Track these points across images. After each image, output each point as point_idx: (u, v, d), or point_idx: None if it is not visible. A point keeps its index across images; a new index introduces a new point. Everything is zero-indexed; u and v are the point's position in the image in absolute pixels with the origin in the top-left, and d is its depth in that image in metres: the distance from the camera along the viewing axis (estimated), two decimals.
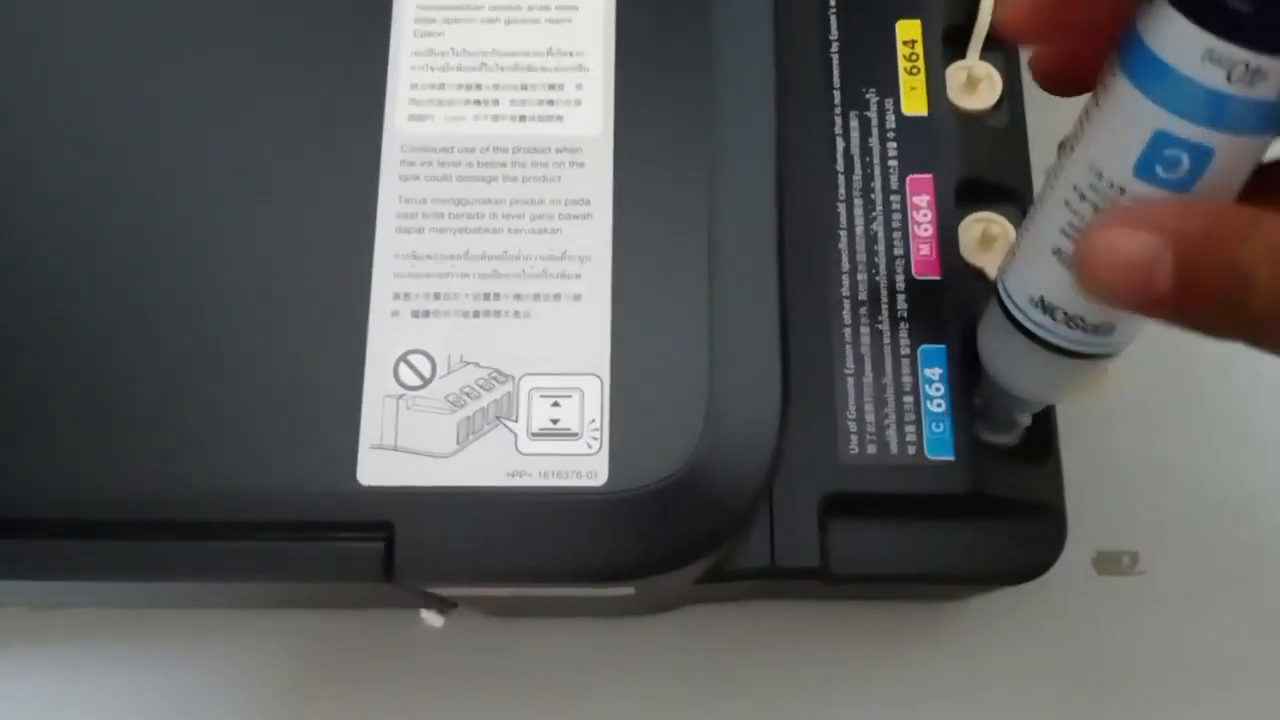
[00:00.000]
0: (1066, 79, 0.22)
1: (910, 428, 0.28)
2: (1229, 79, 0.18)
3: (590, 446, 0.24)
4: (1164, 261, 0.19)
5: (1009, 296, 0.24)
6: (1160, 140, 0.19)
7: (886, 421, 0.28)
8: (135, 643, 0.33)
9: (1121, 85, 0.19)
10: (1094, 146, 0.20)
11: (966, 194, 0.29)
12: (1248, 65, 0.18)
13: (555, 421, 0.24)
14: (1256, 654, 0.33)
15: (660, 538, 0.23)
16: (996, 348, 0.25)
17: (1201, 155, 0.19)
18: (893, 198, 0.29)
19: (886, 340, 0.28)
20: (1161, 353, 0.23)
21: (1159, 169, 0.19)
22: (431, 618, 0.32)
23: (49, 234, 0.26)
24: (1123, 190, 0.20)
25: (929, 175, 0.29)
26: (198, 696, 0.33)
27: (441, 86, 0.26)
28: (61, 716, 0.33)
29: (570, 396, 0.24)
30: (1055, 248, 0.22)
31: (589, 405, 0.24)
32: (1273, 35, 0.17)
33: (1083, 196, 0.21)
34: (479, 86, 0.26)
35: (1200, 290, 0.19)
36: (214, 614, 0.33)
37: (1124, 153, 0.20)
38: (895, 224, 0.29)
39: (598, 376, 0.24)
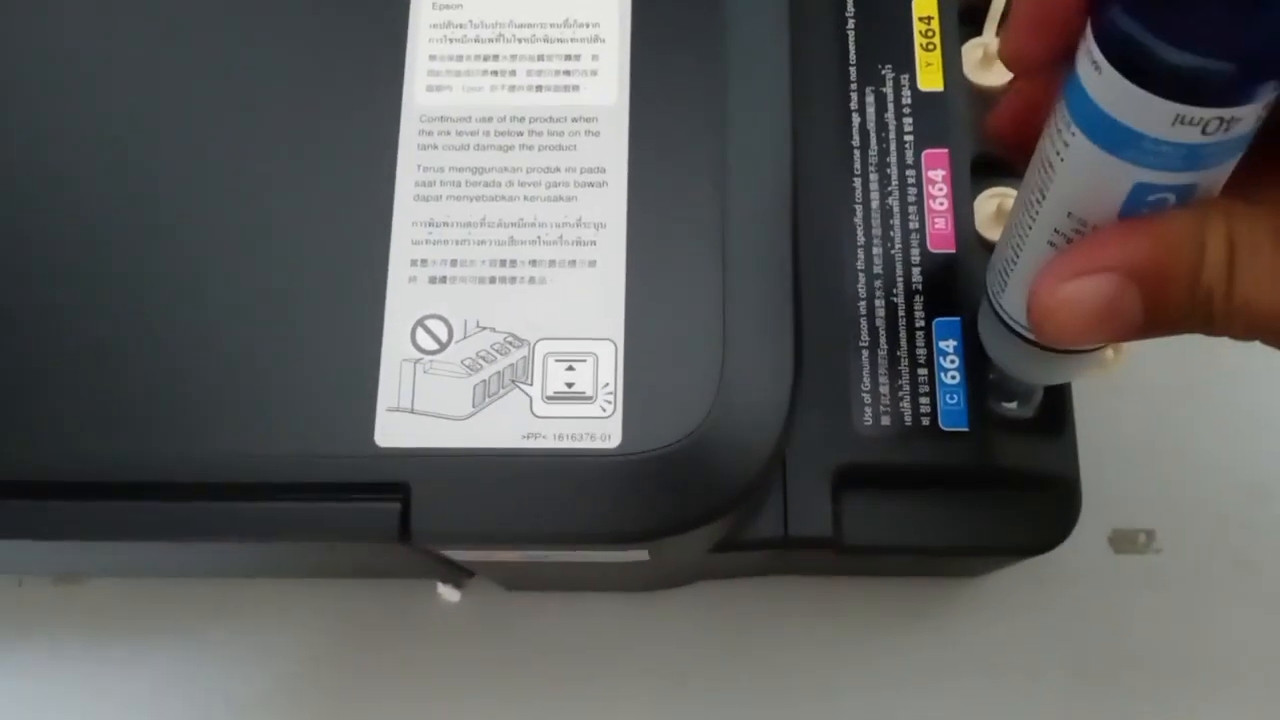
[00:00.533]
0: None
1: (924, 399, 0.28)
2: (1204, 133, 0.17)
3: (604, 410, 0.24)
4: (1129, 296, 0.18)
5: (1002, 308, 0.24)
6: (1141, 190, 0.19)
7: (901, 393, 0.28)
8: (157, 618, 0.34)
9: (1086, 146, 0.19)
10: (1069, 198, 0.20)
11: (982, 169, 0.29)
12: (1221, 119, 0.17)
13: (570, 385, 0.24)
14: (1272, 633, 0.33)
15: (672, 500, 0.24)
16: (995, 342, 0.25)
17: (1186, 191, 0.18)
18: (908, 172, 0.29)
19: (901, 312, 0.28)
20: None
21: (1144, 210, 0.19)
22: (448, 592, 0.32)
23: (76, 203, 0.26)
24: None
25: (944, 150, 0.29)
26: (217, 669, 0.34)
27: (459, 58, 0.26)
28: (90, 690, 0.34)
29: (584, 361, 0.24)
30: None
31: (603, 369, 0.24)
32: (1238, 91, 0.17)
33: (1068, 239, 0.20)
34: (496, 57, 0.26)
35: (1171, 314, 0.19)
36: (233, 588, 0.34)
37: (1104, 203, 0.19)
38: (911, 198, 0.29)
39: (612, 341, 0.24)
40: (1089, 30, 0.18)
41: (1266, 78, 0.17)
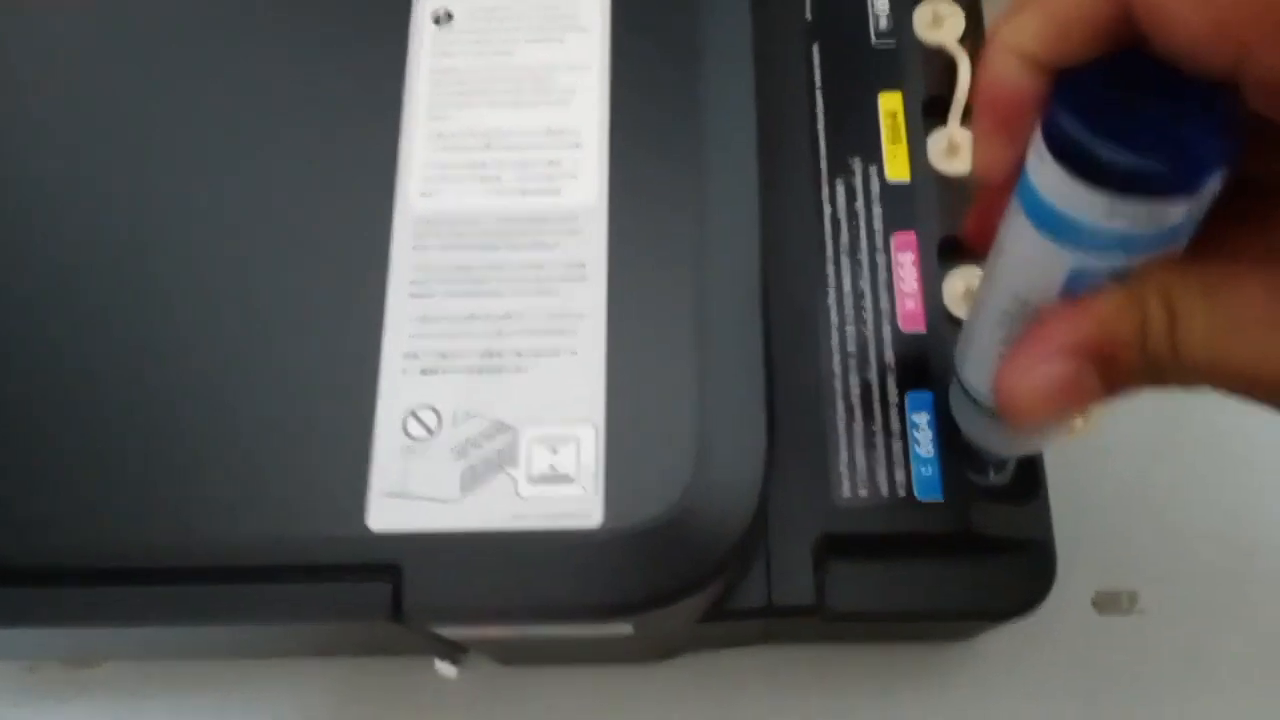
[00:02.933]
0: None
1: (900, 470, 0.29)
2: (1135, 223, 0.19)
3: (586, 490, 0.25)
4: (1085, 373, 0.20)
5: (970, 385, 0.25)
6: (1078, 274, 0.20)
7: (877, 465, 0.29)
8: (163, 696, 0.35)
9: (1029, 231, 0.20)
10: (1013, 279, 0.21)
11: (949, 251, 0.31)
12: (1150, 212, 0.18)
13: (553, 468, 0.25)
14: (1256, 694, 0.33)
15: (653, 575, 0.25)
16: (965, 417, 0.27)
17: (1122, 273, 0.20)
18: (878, 257, 0.31)
19: (875, 388, 0.30)
20: (1156, 393, 0.24)
21: (1083, 291, 0.20)
22: (445, 668, 0.33)
23: (69, 289, 0.28)
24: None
25: (912, 234, 0.31)
26: None
27: (450, 166, 0.28)
28: None
29: (568, 444, 0.26)
30: (999, 354, 0.23)
31: (585, 452, 0.25)
32: (1169, 186, 0.18)
33: (1014, 319, 0.22)
34: (484, 164, 0.28)
35: (1126, 379, 0.20)
36: (236, 667, 0.35)
37: (1045, 286, 0.21)
38: (881, 280, 0.31)
39: (593, 425, 0.26)
40: (1038, 126, 0.20)
41: (1192, 178, 0.18)
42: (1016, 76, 0.19)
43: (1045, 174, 0.19)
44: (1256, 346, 0.18)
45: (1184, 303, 0.19)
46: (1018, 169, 0.20)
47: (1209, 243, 0.20)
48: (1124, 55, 0.19)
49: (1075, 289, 0.20)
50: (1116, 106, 0.18)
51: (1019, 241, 0.21)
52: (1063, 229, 0.19)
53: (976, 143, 0.21)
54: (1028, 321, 0.22)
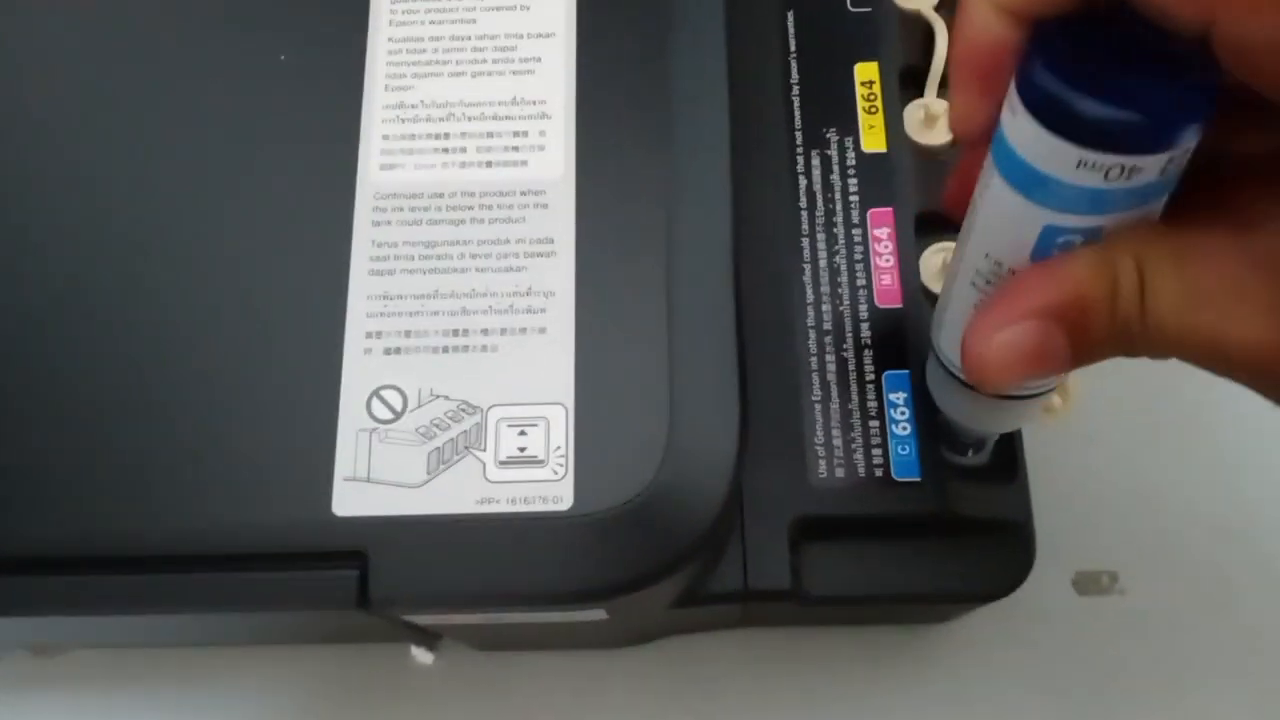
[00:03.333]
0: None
1: (877, 451, 0.28)
2: (1105, 178, 0.18)
3: (556, 473, 0.24)
4: (1054, 336, 0.19)
5: (944, 354, 0.25)
6: (1050, 232, 0.20)
7: (854, 445, 0.28)
8: (133, 685, 0.34)
9: (1003, 189, 0.20)
10: (987, 239, 0.21)
11: (926, 225, 0.30)
12: (1122, 167, 0.18)
13: (522, 450, 0.25)
14: (1238, 671, 0.33)
15: (625, 559, 0.24)
16: (942, 393, 0.26)
17: (1093, 234, 0.19)
18: (854, 231, 0.30)
19: (851, 367, 0.29)
20: (1137, 372, 0.23)
21: (1055, 251, 0.20)
22: (422, 655, 0.32)
23: (27, 280, 0.27)
24: None
25: (889, 209, 0.30)
26: None
27: (412, 137, 0.27)
28: None
29: (536, 425, 0.25)
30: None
31: (554, 433, 0.25)
32: (1138, 140, 0.18)
33: (988, 281, 0.21)
34: (447, 135, 0.27)
35: (1094, 345, 0.20)
36: (209, 655, 0.34)
37: (1017, 246, 0.20)
38: (858, 256, 0.30)
39: (563, 406, 0.25)
40: (1013, 79, 0.19)
41: (1163, 134, 0.18)
42: (995, 28, 0.19)
43: (1018, 127, 0.19)
44: (1225, 318, 0.18)
45: (1155, 268, 0.19)
46: (994, 125, 0.20)
47: (1182, 212, 0.20)
48: (1103, 10, 0.18)
49: (1047, 249, 0.20)
50: (1092, 60, 0.18)
51: (993, 199, 0.20)
52: (1035, 185, 0.19)
53: (954, 96, 0.21)
54: (1001, 284, 0.21)
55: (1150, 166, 0.18)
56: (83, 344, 0.26)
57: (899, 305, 0.29)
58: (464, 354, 0.25)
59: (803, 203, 0.31)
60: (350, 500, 0.24)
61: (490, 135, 0.27)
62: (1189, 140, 0.18)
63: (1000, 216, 0.20)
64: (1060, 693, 0.33)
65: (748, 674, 0.34)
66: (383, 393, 0.25)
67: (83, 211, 0.27)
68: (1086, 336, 0.19)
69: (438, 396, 0.25)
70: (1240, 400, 0.20)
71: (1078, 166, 0.18)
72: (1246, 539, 0.34)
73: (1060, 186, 0.19)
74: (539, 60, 0.28)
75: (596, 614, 0.26)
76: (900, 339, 0.29)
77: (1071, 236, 0.19)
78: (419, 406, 0.25)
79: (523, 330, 0.26)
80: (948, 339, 0.24)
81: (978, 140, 0.21)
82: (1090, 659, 0.33)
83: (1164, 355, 0.19)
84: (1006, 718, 0.33)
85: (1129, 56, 0.18)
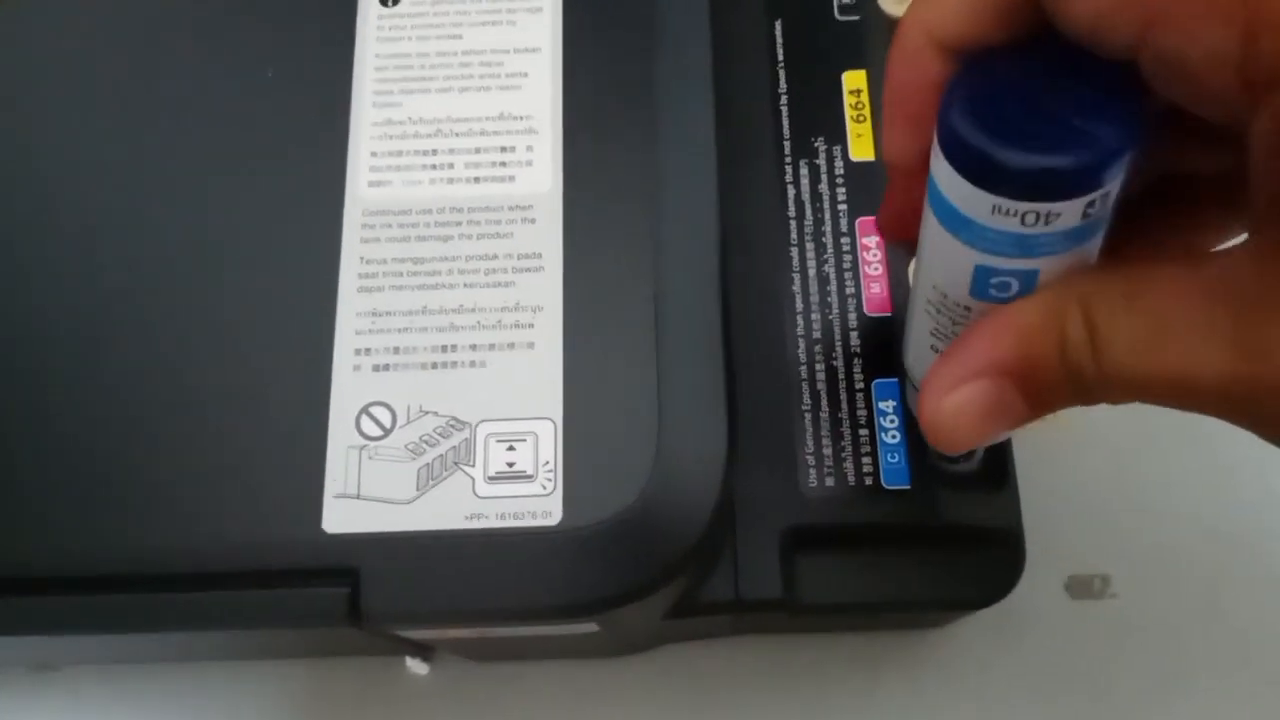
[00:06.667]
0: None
1: (867, 459, 0.28)
2: (1023, 224, 0.18)
3: (545, 488, 0.25)
4: (1007, 393, 0.19)
5: (912, 374, 0.25)
6: (983, 272, 0.19)
7: (844, 454, 0.28)
8: (127, 699, 0.34)
9: (936, 226, 0.20)
10: (931, 271, 0.21)
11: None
12: (1038, 214, 0.18)
13: (511, 465, 0.25)
14: (1231, 674, 0.33)
15: (614, 572, 0.24)
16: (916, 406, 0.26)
17: (1028, 276, 0.19)
18: (843, 240, 0.30)
19: (841, 376, 0.29)
20: None
21: (992, 291, 0.20)
22: (417, 666, 0.32)
23: (13, 299, 0.27)
24: (968, 309, 0.20)
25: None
26: None
27: (399, 154, 0.28)
28: None
29: (525, 440, 0.25)
30: (931, 346, 0.22)
31: (543, 448, 0.25)
32: (1050, 189, 0.17)
33: (939, 310, 0.21)
34: (435, 152, 0.28)
35: (1049, 398, 0.19)
36: (204, 670, 0.34)
37: (957, 281, 0.20)
38: (846, 265, 0.30)
39: (551, 420, 0.25)
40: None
41: (1078, 179, 0.17)
42: (925, 60, 0.19)
43: (940, 167, 0.19)
44: (1190, 353, 0.17)
45: (1106, 312, 0.18)
46: (925, 157, 0.20)
47: (1127, 242, 0.19)
48: (1032, 40, 0.18)
49: (984, 288, 0.20)
50: (1010, 101, 0.18)
51: (931, 233, 0.20)
52: (960, 225, 0.19)
53: (885, 128, 0.21)
54: (950, 314, 0.21)
55: (1069, 211, 0.18)
56: (71, 361, 0.26)
57: (888, 313, 0.29)
58: (452, 370, 0.26)
59: (791, 212, 0.31)
60: (340, 517, 0.24)
61: (478, 151, 0.28)
62: (1110, 181, 0.17)
63: (938, 251, 0.20)
64: (1053, 696, 0.33)
65: (741, 681, 0.34)
66: (372, 409, 0.25)
67: (68, 229, 0.27)
68: (1039, 391, 0.19)
69: (427, 413, 0.25)
70: None
71: (993, 212, 0.18)
72: (1239, 542, 0.34)
73: (981, 229, 0.18)
74: (525, 75, 0.28)
75: (588, 627, 0.26)
76: (889, 347, 0.29)
77: (1006, 278, 0.19)
78: (408, 423, 0.25)
79: (511, 345, 0.26)
80: (914, 362, 0.24)
81: (910, 170, 0.21)
82: (1083, 663, 0.33)
83: (1124, 399, 0.19)
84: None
85: (1053, 93, 0.17)
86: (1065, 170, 0.17)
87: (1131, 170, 0.18)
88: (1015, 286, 0.19)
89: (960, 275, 0.20)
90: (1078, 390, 0.19)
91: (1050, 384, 0.19)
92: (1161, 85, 0.17)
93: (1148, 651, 0.33)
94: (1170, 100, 0.17)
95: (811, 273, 0.30)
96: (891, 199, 0.24)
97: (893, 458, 0.28)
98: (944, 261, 0.20)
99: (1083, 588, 0.34)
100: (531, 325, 0.26)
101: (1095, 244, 0.19)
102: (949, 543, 0.28)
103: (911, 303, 0.23)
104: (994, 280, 0.19)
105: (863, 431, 0.29)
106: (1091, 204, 0.18)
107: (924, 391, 0.20)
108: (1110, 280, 0.18)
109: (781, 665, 0.34)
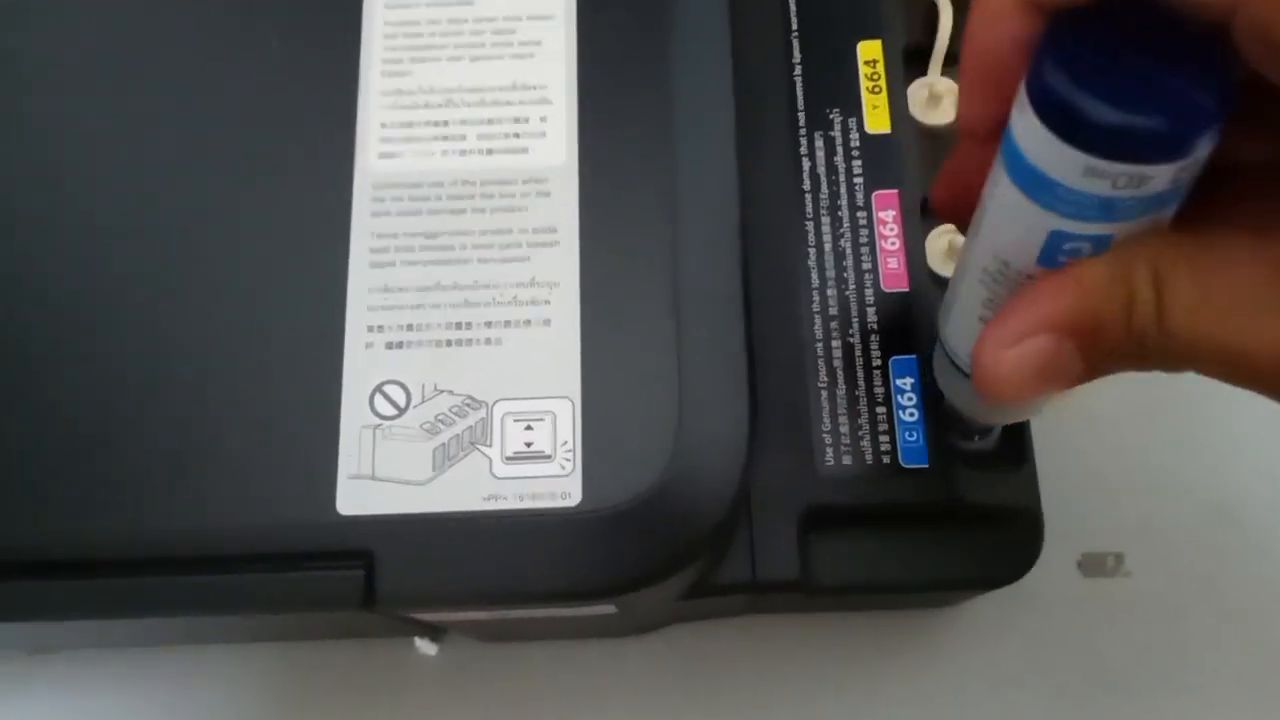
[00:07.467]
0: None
1: (884, 437, 0.28)
2: (1114, 187, 0.18)
3: (563, 468, 0.24)
4: (1066, 351, 0.19)
5: (951, 348, 0.24)
6: (1057, 237, 0.19)
7: (861, 432, 0.28)
8: (134, 683, 0.34)
9: (1009, 189, 0.19)
10: (995, 239, 0.20)
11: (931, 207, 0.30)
12: (1131, 176, 0.17)
13: (529, 445, 0.24)
14: (1243, 652, 0.33)
15: (634, 555, 0.24)
16: (949, 385, 0.26)
17: (1102, 242, 0.19)
18: (859, 214, 0.30)
19: (858, 352, 0.29)
20: None
21: (1061, 258, 0.19)
22: (425, 646, 0.32)
23: (21, 279, 0.26)
24: (1031, 277, 0.20)
25: (894, 191, 0.30)
26: None
27: (410, 124, 0.27)
28: None
29: (543, 420, 0.24)
30: (980, 317, 0.22)
31: (561, 428, 0.24)
32: (1149, 149, 0.17)
33: (995, 279, 0.21)
34: (446, 123, 0.27)
35: (1109, 359, 0.19)
36: (211, 651, 0.34)
37: (1025, 248, 0.20)
38: (863, 239, 0.30)
39: (569, 399, 0.25)
40: (1025, 75, 0.18)
41: (1174, 143, 0.17)
42: (1013, 18, 0.18)
43: (1026, 127, 0.18)
44: (1248, 329, 0.17)
45: (1172, 278, 0.18)
46: (1003, 121, 0.19)
47: (1194, 217, 0.19)
48: (1125, 2, 0.17)
49: (1055, 254, 0.19)
50: (1106, 60, 0.17)
51: (1000, 198, 0.20)
52: (1041, 189, 0.18)
53: (963, 90, 0.20)
54: (1010, 284, 0.21)
55: (1161, 175, 0.17)
56: (81, 343, 0.26)
57: (905, 289, 0.29)
58: (468, 347, 0.25)
59: (806, 185, 0.30)
60: (354, 499, 0.24)
61: (490, 122, 0.27)
62: (1203, 148, 0.17)
63: (1007, 217, 0.20)
64: (1065, 674, 0.33)
65: (754, 660, 0.33)
66: (385, 388, 0.25)
67: (76, 206, 0.27)
68: (1101, 350, 0.19)
69: (442, 391, 0.25)
70: None
71: (1084, 174, 0.18)
72: (1252, 520, 0.34)
73: (1067, 192, 0.18)
74: (538, 44, 0.27)
75: (605, 609, 0.25)
76: (907, 323, 0.29)
77: (1079, 244, 0.19)
78: (423, 402, 0.25)
79: (527, 322, 0.25)
80: (954, 334, 0.24)
81: (986, 137, 0.20)
82: (1095, 641, 0.33)
83: (1179, 368, 0.19)
84: (1013, 699, 0.33)
85: (1145, 56, 0.17)
86: (1167, 133, 0.17)
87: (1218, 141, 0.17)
88: (1087, 250, 0.19)
89: (1030, 242, 0.19)
90: (1137, 354, 0.19)
91: (1112, 343, 0.19)
92: (1253, 56, 0.16)
93: (1161, 629, 0.33)
94: (1257, 71, 0.17)
95: (828, 248, 0.29)
96: (954, 168, 0.23)
97: (911, 436, 0.28)
98: (1013, 227, 0.20)
99: (1096, 566, 0.34)
100: (548, 301, 0.25)
101: (1170, 212, 0.19)
102: (967, 522, 0.28)
103: (959, 274, 0.23)
104: (1067, 245, 0.19)
105: (880, 409, 0.28)
106: (1183, 169, 0.17)
107: (982, 342, 0.20)
108: (1178, 248, 0.18)
109: (792, 644, 0.34)
